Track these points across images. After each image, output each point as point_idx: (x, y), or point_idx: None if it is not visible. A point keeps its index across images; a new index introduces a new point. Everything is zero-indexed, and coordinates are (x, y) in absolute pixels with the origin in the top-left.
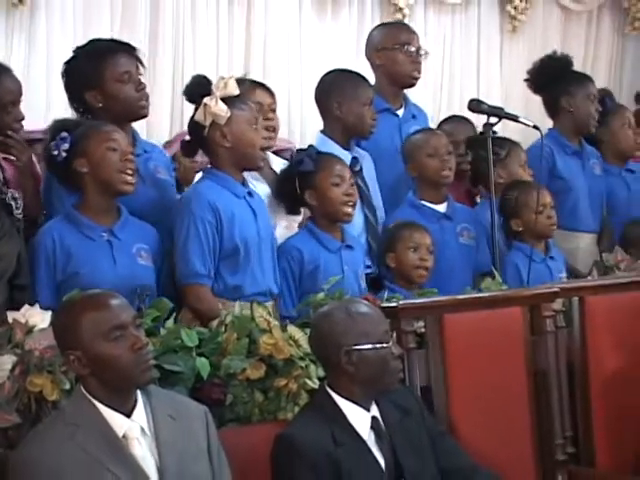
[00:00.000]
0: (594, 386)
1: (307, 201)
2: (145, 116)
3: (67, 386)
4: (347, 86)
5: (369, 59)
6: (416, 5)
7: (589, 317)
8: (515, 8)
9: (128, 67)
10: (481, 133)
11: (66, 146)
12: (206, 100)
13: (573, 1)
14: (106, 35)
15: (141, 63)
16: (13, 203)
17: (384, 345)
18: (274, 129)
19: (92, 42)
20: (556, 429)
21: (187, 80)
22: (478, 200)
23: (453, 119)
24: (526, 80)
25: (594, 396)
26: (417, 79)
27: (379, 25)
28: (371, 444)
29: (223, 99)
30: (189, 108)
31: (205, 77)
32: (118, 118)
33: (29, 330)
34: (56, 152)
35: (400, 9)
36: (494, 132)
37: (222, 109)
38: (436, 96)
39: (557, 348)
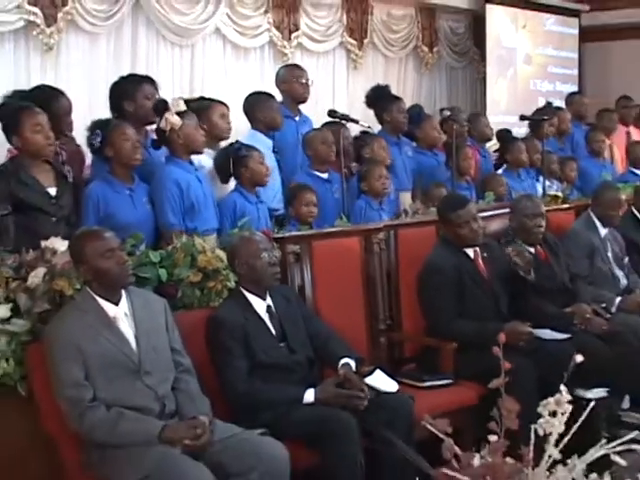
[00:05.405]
0: (402, 285)
1: (242, 174)
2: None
3: (78, 286)
4: (262, 100)
5: (278, 87)
6: (295, 53)
7: (401, 243)
8: (356, 55)
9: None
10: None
11: (99, 140)
12: (166, 115)
13: (389, 51)
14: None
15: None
16: (68, 174)
17: (261, 257)
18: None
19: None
20: (380, 310)
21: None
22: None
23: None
24: (364, 102)
25: (402, 290)
26: (307, 98)
27: (282, 66)
28: (267, 320)
29: (177, 113)
30: None
31: (164, 100)
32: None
33: (54, 252)
34: (93, 142)
35: (285, 54)
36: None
37: (177, 120)
38: (309, 109)
39: (380, 262)
